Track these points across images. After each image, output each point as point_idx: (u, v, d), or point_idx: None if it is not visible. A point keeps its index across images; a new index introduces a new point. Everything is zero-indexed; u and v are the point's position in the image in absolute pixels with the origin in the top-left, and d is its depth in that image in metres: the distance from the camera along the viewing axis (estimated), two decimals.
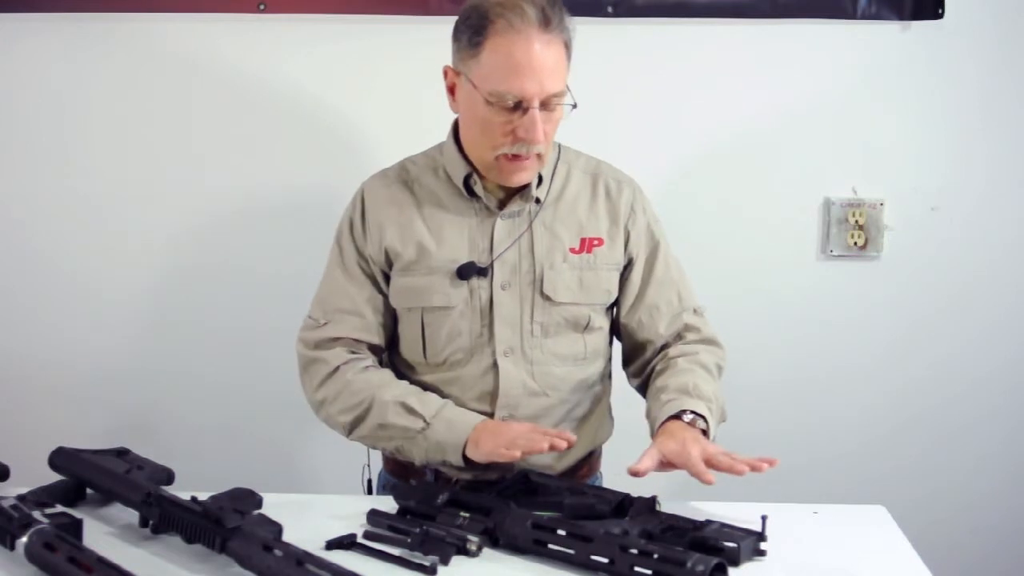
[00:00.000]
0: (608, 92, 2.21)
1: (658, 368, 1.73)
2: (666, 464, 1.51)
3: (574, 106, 1.64)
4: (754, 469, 1.47)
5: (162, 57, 2.28)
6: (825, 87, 2.31)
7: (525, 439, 1.55)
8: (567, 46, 1.62)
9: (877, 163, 2.33)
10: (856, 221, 2.33)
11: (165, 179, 2.32)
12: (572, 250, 1.72)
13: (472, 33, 1.60)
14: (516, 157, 1.63)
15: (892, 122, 2.32)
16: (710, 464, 1.48)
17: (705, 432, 1.57)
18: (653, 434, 1.61)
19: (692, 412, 1.58)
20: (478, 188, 1.71)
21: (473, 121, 1.65)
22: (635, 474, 1.48)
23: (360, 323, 1.75)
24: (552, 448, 1.53)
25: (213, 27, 2.27)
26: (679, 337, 1.76)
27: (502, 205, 1.72)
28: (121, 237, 2.34)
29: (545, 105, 1.60)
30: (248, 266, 2.34)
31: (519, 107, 1.59)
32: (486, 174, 1.69)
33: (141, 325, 2.37)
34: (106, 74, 2.29)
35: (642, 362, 1.79)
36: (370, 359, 1.75)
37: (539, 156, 1.65)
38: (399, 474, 1.77)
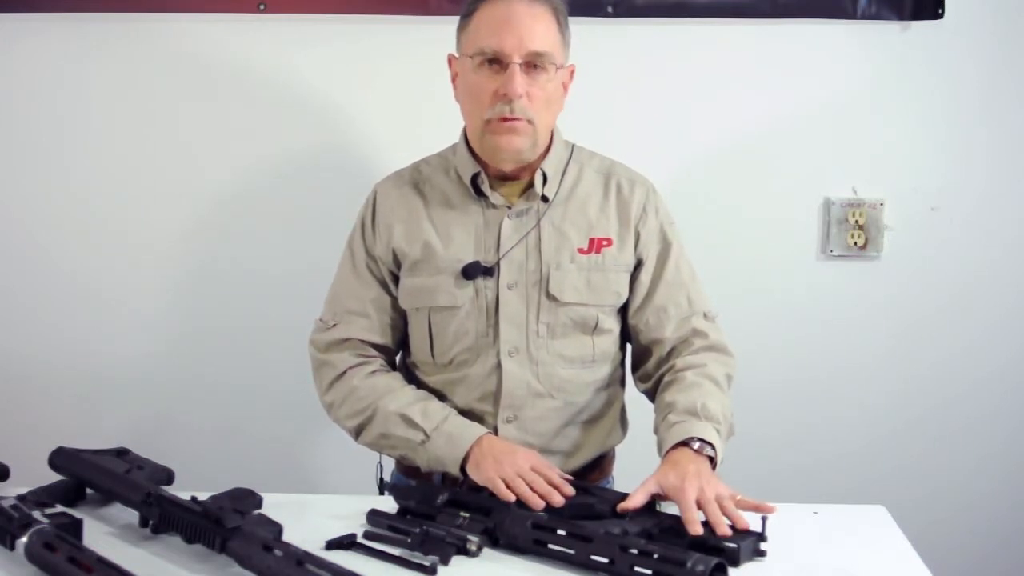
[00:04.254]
0: (607, 92, 2.21)
1: (666, 380, 1.71)
2: (661, 497, 1.50)
3: (559, 68, 1.66)
4: (738, 526, 1.43)
5: (162, 57, 2.28)
6: (825, 87, 2.30)
7: (524, 481, 1.53)
8: (557, 16, 1.66)
9: (877, 163, 2.33)
10: (856, 221, 2.32)
11: (164, 179, 2.32)
12: (580, 250, 1.71)
13: (466, 11, 1.67)
14: (503, 120, 1.63)
15: (892, 122, 2.32)
16: (700, 509, 1.44)
17: (712, 459, 1.55)
18: (660, 454, 1.60)
19: (700, 440, 1.55)
20: (485, 187, 1.71)
21: (465, 93, 1.69)
22: (624, 511, 1.47)
23: (367, 324, 1.76)
24: (547, 504, 1.51)
25: (213, 27, 2.27)
26: (687, 343, 1.73)
27: (511, 205, 1.72)
28: (120, 237, 2.34)
29: (529, 66, 1.62)
30: (247, 266, 2.34)
31: (501, 64, 1.62)
32: (481, 152, 1.70)
33: (141, 325, 2.37)
34: (106, 74, 2.29)
35: (649, 366, 1.77)
36: (378, 362, 1.76)
37: (531, 123, 1.64)
38: (411, 474, 1.77)
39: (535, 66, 1.63)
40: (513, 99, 1.62)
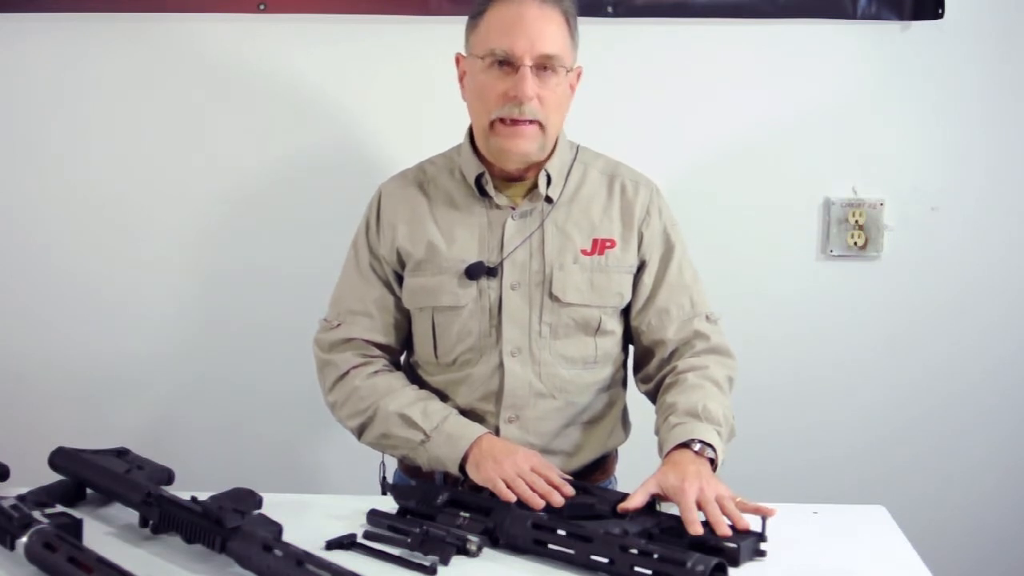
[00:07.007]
0: (607, 92, 2.20)
1: (668, 382, 1.71)
2: (661, 497, 1.50)
3: (568, 70, 1.66)
4: (738, 526, 1.43)
5: (162, 57, 2.28)
6: (825, 87, 2.30)
7: (524, 481, 1.53)
8: (567, 18, 1.65)
9: (877, 163, 2.33)
10: (856, 221, 2.32)
11: (164, 179, 2.32)
12: (584, 251, 1.71)
13: (476, 11, 1.66)
14: (513, 122, 1.63)
15: (892, 122, 2.32)
16: (700, 509, 1.44)
17: (713, 461, 1.55)
18: (661, 455, 1.60)
19: (700, 441, 1.55)
20: (490, 188, 1.71)
21: (473, 93, 1.68)
22: (624, 511, 1.47)
23: (371, 324, 1.76)
24: (547, 503, 1.51)
25: (213, 27, 2.26)
26: (688, 345, 1.73)
27: (515, 206, 1.72)
28: (120, 237, 2.33)
29: (539, 69, 1.62)
30: (248, 266, 2.34)
31: (511, 66, 1.61)
32: (487, 153, 1.69)
33: (141, 325, 2.36)
34: (106, 74, 2.29)
35: (651, 368, 1.77)
36: (381, 362, 1.76)
37: (540, 126, 1.65)
38: (413, 474, 1.77)
39: (545, 68, 1.63)
40: (524, 101, 1.62)
